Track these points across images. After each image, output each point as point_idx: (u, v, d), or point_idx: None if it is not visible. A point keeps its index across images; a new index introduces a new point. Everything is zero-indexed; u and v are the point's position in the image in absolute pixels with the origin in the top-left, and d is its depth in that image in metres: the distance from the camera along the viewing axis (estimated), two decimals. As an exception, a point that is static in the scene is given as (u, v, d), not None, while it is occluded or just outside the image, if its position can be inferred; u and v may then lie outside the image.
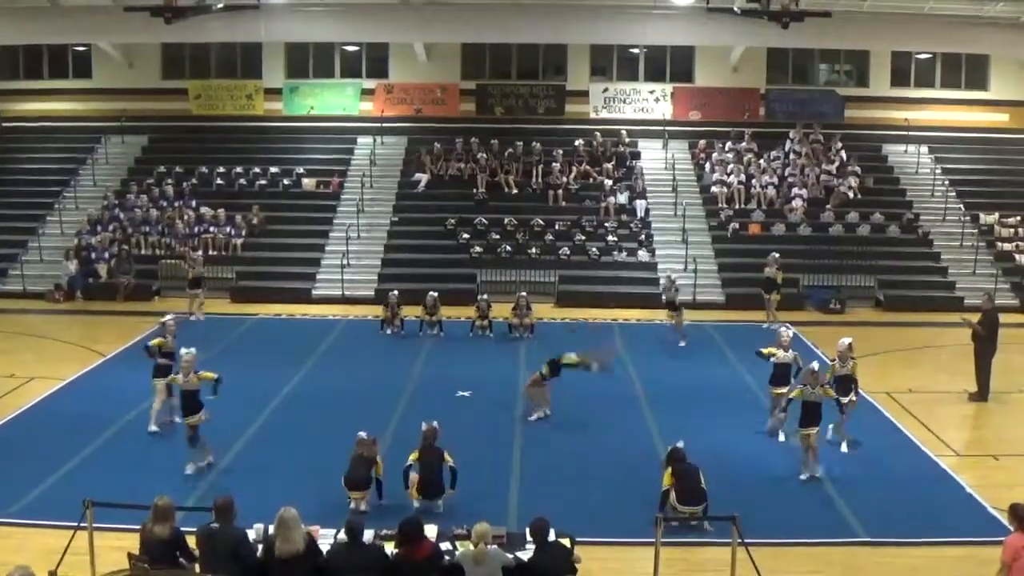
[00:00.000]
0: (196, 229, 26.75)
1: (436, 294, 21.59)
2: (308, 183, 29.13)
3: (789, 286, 23.92)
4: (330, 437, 13.78)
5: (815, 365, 13.63)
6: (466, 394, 16.86)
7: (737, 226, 27.08)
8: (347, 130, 31.19)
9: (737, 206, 27.99)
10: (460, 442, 12.63)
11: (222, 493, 9.34)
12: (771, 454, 14.13)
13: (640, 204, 27.88)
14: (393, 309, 21.55)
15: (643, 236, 26.78)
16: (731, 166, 28.92)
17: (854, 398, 14.46)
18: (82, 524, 9.50)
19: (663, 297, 21.73)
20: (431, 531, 9.52)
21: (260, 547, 8.96)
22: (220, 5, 24.24)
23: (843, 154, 29.60)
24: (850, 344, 14.64)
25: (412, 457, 11.80)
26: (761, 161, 29.21)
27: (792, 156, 29.48)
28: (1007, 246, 26.91)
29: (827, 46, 29.96)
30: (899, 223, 27.22)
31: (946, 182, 29.06)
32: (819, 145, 29.85)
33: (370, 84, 31.44)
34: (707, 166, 29.36)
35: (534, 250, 26.22)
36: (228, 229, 26.82)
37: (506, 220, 27.11)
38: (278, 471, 12.99)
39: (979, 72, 31.17)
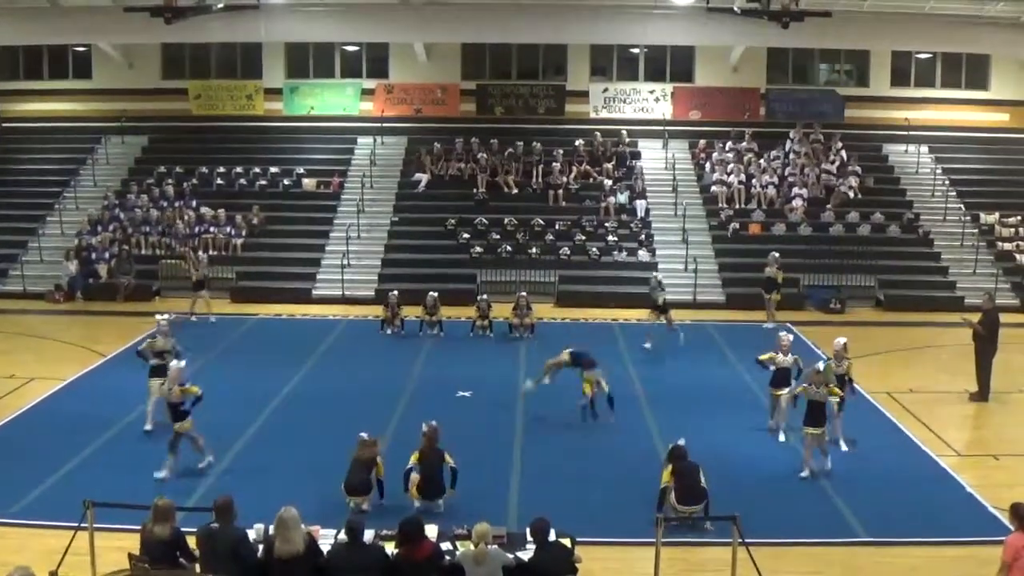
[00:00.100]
0: (196, 229, 26.75)
1: (436, 294, 21.59)
2: (308, 183, 29.13)
3: (789, 286, 23.92)
4: (330, 437, 13.79)
5: (820, 365, 13.64)
6: (466, 394, 16.86)
7: (737, 226, 27.08)
8: (347, 130, 31.19)
9: (737, 206, 27.98)
10: (460, 442, 12.62)
11: (222, 493, 9.33)
12: (771, 454, 14.13)
13: (640, 204, 27.87)
14: (393, 309, 21.55)
15: (643, 236, 26.77)
16: (731, 166, 28.92)
17: (852, 396, 14.49)
18: (82, 524, 9.50)
19: (651, 297, 21.24)
20: (431, 531, 9.51)
21: (260, 547, 8.95)
22: (220, 5, 24.24)
23: (843, 154, 29.59)
24: (845, 344, 14.71)
25: (413, 459, 11.79)
26: (761, 161, 29.20)
27: (792, 156, 29.48)
28: (1007, 246, 26.90)
29: (827, 46, 29.95)
30: (899, 223, 27.21)
31: (946, 182, 29.05)
32: (819, 145, 29.84)
33: (370, 84, 31.44)
34: (707, 166, 29.35)
35: (534, 250, 26.22)
36: (228, 229, 26.82)
37: (506, 220, 27.10)
38: (278, 471, 12.99)
39: (979, 72, 31.16)
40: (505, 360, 19.42)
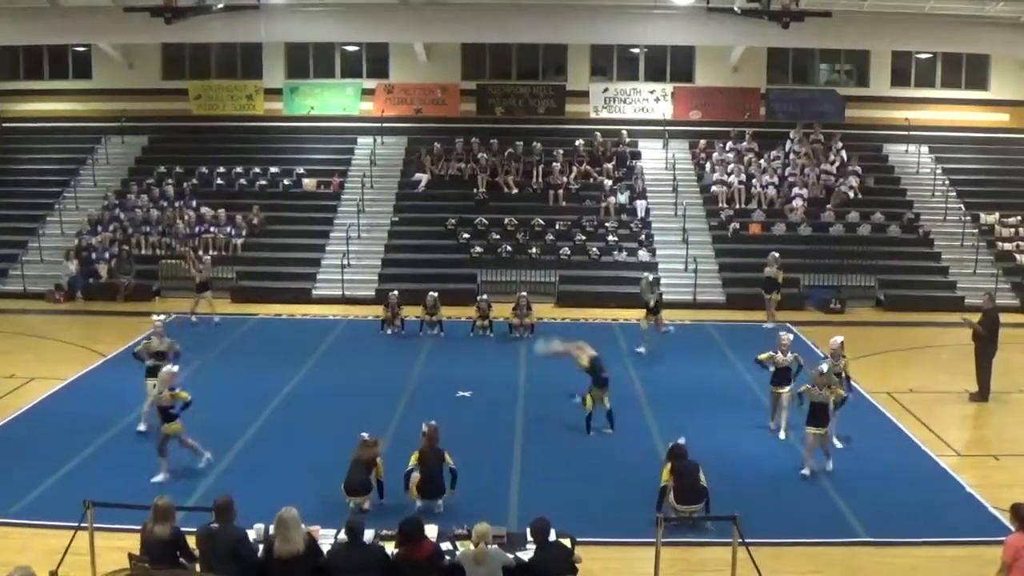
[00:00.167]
0: (196, 229, 26.75)
1: (436, 294, 21.60)
2: (308, 183, 29.13)
3: (789, 286, 23.92)
4: (330, 437, 13.80)
5: (824, 367, 13.65)
6: (466, 394, 16.87)
7: (737, 226, 27.08)
8: (347, 130, 31.19)
9: (737, 206, 27.98)
10: (460, 442, 12.63)
11: (222, 493, 9.32)
12: (771, 454, 14.14)
13: (640, 204, 27.87)
14: (393, 309, 21.55)
15: (643, 236, 26.77)
16: (731, 166, 28.91)
17: (849, 394, 14.58)
18: (83, 524, 9.50)
19: (642, 298, 20.85)
20: (431, 531, 9.51)
21: (260, 547, 8.95)
22: (220, 5, 24.23)
23: (843, 154, 29.59)
24: (842, 343, 14.71)
25: (413, 459, 11.79)
26: (761, 161, 29.20)
27: (792, 156, 29.48)
28: (1007, 246, 26.89)
29: (827, 46, 29.95)
30: (899, 223, 27.21)
31: (946, 182, 29.05)
32: (819, 145, 29.84)
33: (370, 84, 31.44)
34: (707, 166, 29.35)
35: (534, 250, 26.22)
36: (228, 229, 26.82)
37: (506, 220, 27.10)
38: (278, 471, 12.99)
39: (979, 72, 31.16)
40: (505, 360, 19.42)
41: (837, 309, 24.27)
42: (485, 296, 22.32)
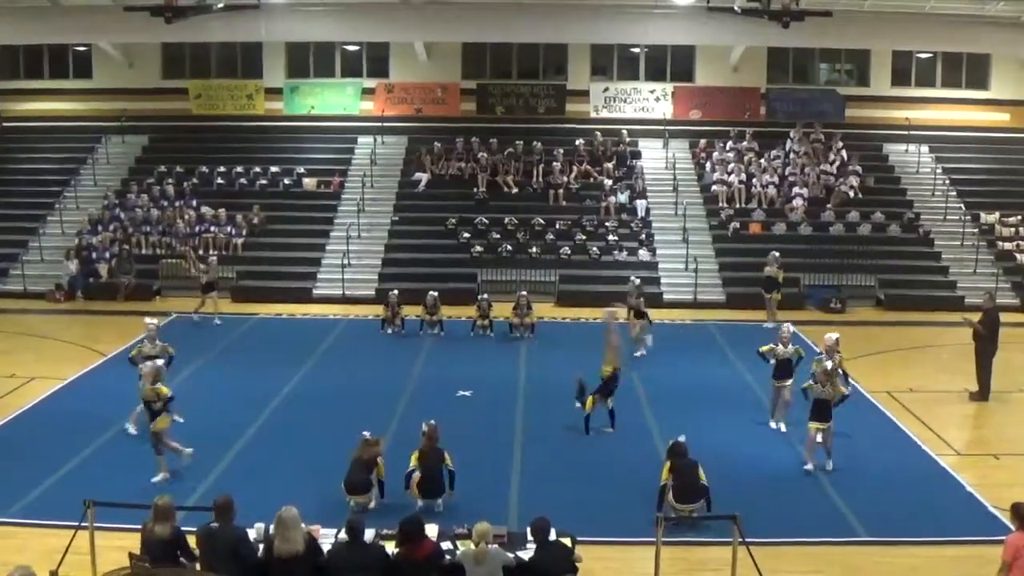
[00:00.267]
0: (197, 229, 26.75)
1: (436, 294, 21.60)
2: (309, 183, 29.13)
3: (790, 285, 23.92)
4: (330, 437, 13.80)
5: (828, 364, 13.68)
6: (467, 394, 16.87)
7: (738, 225, 27.08)
8: (348, 130, 31.20)
9: (738, 205, 27.98)
10: (461, 442, 12.64)
11: (222, 493, 9.32)
12: (771, 453, 14.14)
13: (641, 204, 27.87)
14: (394, 309, 21.55)
15: (644, 235, 26.77)
16: (732, 165, 28.91)
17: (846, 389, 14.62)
18: (83, 524, 9.50)
19: (627, 302, 20.25)
20: (432, 530, 9.51)
21: (261, 547, 8.95)
22: (220, 5, 24.22)
23: (844, 153, 29.58)
24: (837, 339, 14.73)
25: (413, 460, 11.80)
26: (762, 160, 29.20)
27: (793, 155, 29.47)
28: (1008, 245, 26.89)
29: (828, 45, 29.96)
30: (900, 222, 27.21)
31: (947, 181, 29.05)
32: (820, 144, 29.83)
33: (371, 84, 31.44)
34: (708, 165, 29.35)
35: (535, 249, 26.22)
36: (229, 229, 26.83)
37: (507, 219, 27.10)
38: (278, 471, 12.99)
39: (980, 71, 31.16)
40: (505, 360, 19.43)
41: (837, 309, 24.27)
42: (486, 295, 22.31)
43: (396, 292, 21.91)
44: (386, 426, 14.45)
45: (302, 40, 30.51)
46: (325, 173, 29.38)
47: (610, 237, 26.68)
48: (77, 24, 27.91)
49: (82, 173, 29.69)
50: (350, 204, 28.08)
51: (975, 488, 12.76)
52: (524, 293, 22.05)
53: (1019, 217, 27.71)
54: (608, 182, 28.32)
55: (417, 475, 11.71)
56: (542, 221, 27.05)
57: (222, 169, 29.15)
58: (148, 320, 16.08)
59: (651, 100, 31.38)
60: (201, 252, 25.24)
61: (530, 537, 9.32)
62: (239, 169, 29.22)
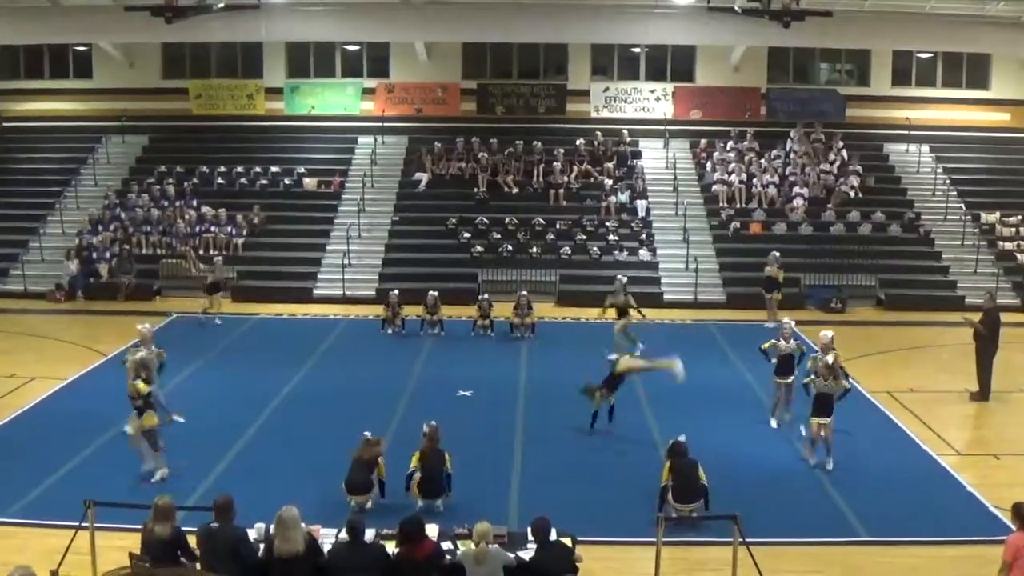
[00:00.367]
0: (197, 229, 26.75)
1: (436, 293, 21.60)
2: (309, 183, 29.13)
3: (790, 285, 23.92)
4: (331, 437, 13.79)
5: (829, 358, 13.72)
6: (467, 394, 16.87)
7: (738, 225, 27.07)
8: (348, 129, 31.20)
9: (738, 205, 27.98)
10: (461, 442, 12.65)
11: (222, 492, 9.32)
12: (772, 453, 14.14)
13: (641, 203, 27.87)
14: (394, 308, 21.55)
15: (644, 235, 26.77)
16: (732, 165, 28.90)
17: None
18: (83, 524, 9.50)
19: (612, 299, 20.26)
20: (432, 530, 9.51)
21: (261, 546, 8.95)
22: (221, 5, 24.23)
23: (844, 153, 29.57)
24: (832, 337, 14.76)
25: (414, 461, 11.80)
26: (762, 160, 29.19)
27: (793, 155, 29.46)
28: (1008, 245, 26.88)
29: (828, 45, 29.94)
30: (900, 222, 27.21)
31: (947, 181, 29.05)
32: (820, 144, 29.82)
33: (371, 83, 31.44)
34: (708, 165, 29.34)
35: (535, 249, 26.21)
36: (229, 229, 26.82)
37: (507, 219, 27.10)
38: (278, 471, 12.99)
39: (980, 71, 31.15)
40: (506, 360, 19.43)
41: (838, 308, 24.27)
42: (486, 295, 22.31)
43: (396, 292, 21.91)
44: (386, 426, 14.45)
45: (302, 40, 30.52)
46: (325, 173, 29.37)
47: (610, 237, 26.68)
48: (77, 24, 27.92)
49: (82, 173, 29.68)
50: (350, 204, 28.07)
51: (975, 488, 12.76)
52: (524, 293, 22.05)
53: (1019, 217, 27.70)
54: (608, 182, 28.32)
55: (418, 476, 11.72)
56: (542, 221, 27.05)
57: (222, 169, 29.14)
58: (141, 326, 15.99)
59: (651, 100, 31.38)
60: (204, 252, 25.23)
61: (530, 537, 9.32)
62: (239, 169, 29.22)
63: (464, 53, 31.40)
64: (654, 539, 9.64)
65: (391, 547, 9.00)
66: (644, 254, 26.23)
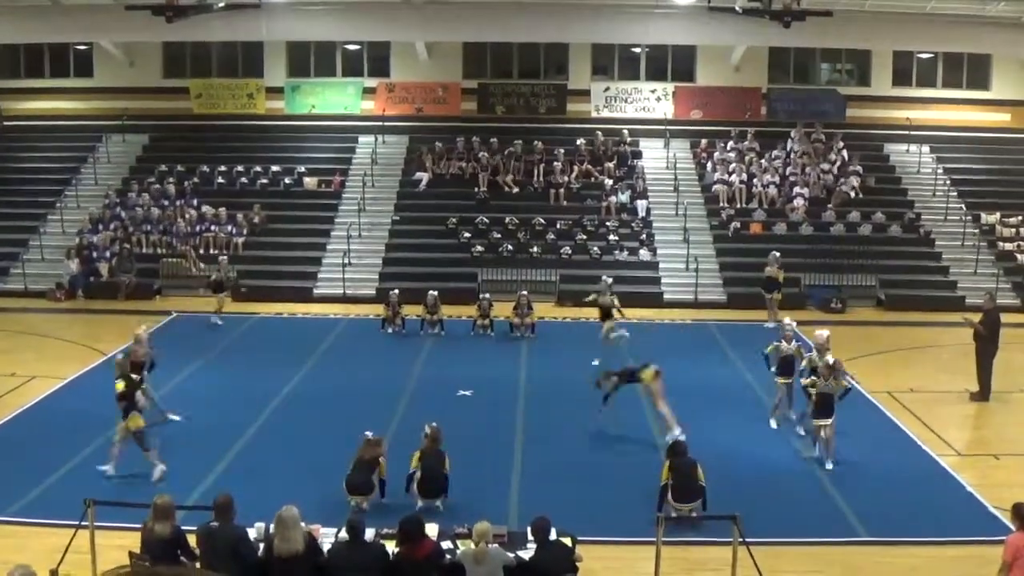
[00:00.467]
0: (197, 228, 26.76)
1: (437, 293, 21.59)
2: (309, 182, 29.12)
3: (790, 285, 23.91)
4: (331, 436, 13.80)
5: (830, 358, 13.72)
6: (467, 393, 16.86)
7: (739, 225, 27.07)
8: (348, 129, 31.20)
9: (738, 205, 27.97)
10: (461, 441, 12.65)
11: (222, 492, 9.32)
12: (771, 453, 14.14)
13: (641, 203, 27.86)
14: (394, 308, 21.54)
15: (644, 235, 26.77)
16: (733, 165, 28.89)
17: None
18: (83, 523, 9.51)
19: (597, 299, 19.82)
20: (432, 530, 9.51)
21: (261, 546, 8.95)
22: (221, 4, 24.21)
23: (845, 153, 29.56)
24: (827, 336, 14.81)
25: (414, 461, 11.81)
26: (763, 160, 29.19)
27: (793, 155, 29.46)
28: (1008, 246, 26.87)
29: (829, 45, 29.95)
30: (900, 223, 27.21)
31: (948, 182, 29.03)
32: (820, 144, 29.81)
33: (371, 83, 31.44)
34: (709, 165, 29.33)
35: (535, 249, 26.21)
36: (229, 228, 26.83)
37: (507, 219, 27.09)
38: (278, 470, 12.99)
39: (981, 72, 31.15)
40: (506, 359, 19.42)
41: (838, 309, 24.27)
42: (487, 295, 22.31)
43: (397, 291, 21.90)
44: (386, 426, 14.44)
45: (303, 39, 30.53)
46: (326, 172, 29.37)
47: (611, 237, 26.68)
48: (78, 23, 27.92)
49: (83, 172, 29.68)
50: (351, 203, 28.07)
51: (975, 488, 12.76)
52: (525, 293, 22.05)
53: (1020, 217, 27.69)
54: (609, 182, 28.31)
55: (418, 475, 11.73)
56: (543, 221, 27.05)
57: (223, 168, 29.14)
58: (140, 330, 15.98)
59: (652, 100, 31.37)
60: (204, 251, 25.22)
61: (530, 537, 9.32)
62: (240, 168, 29.21)
63: (465, 53, 31.40)
64: (654, 539, 9.64)
65: (391, 547, 9.00)
66: (644, 254, 26.23)
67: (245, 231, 27.01)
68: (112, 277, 25.48)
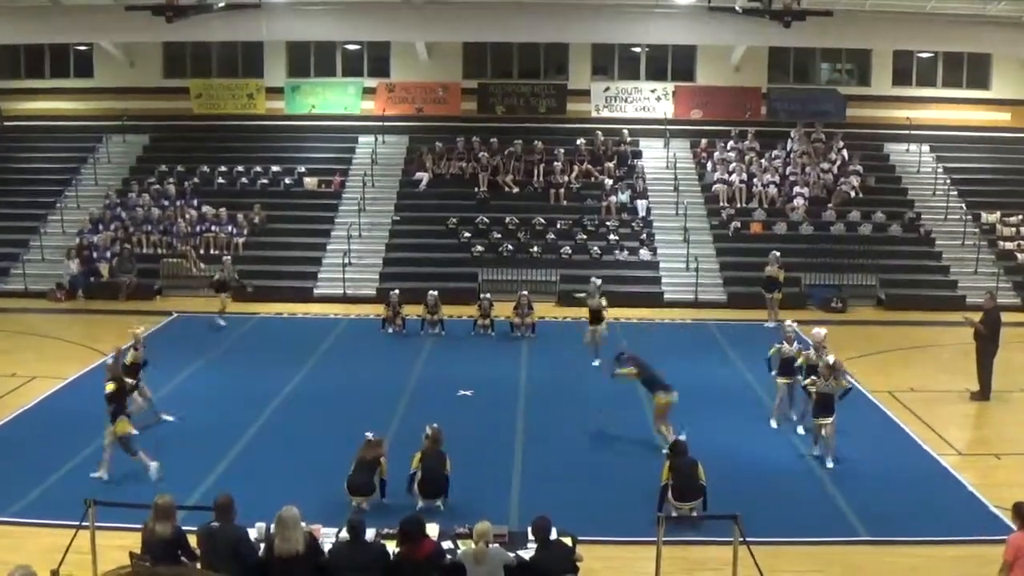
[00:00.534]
0: (198, 228, 26.76)
1: (437, 293, 21.58)
2: (310, 182, 29.12)
3: (791, 285, 23.91)
4: (331, 436, 13.80)
5: (831, 358, 13.73)
6: (467, 393, 16.86)
7: (739, 225, 27.07)
8: (348, 129, 31.19)
9: (739, 205, 27.97)
10: (461, 441, 12.65)
11: (223, 492, 9.32)
12: (772, 453, 14.14)
13: (641, 203, 27.86)
14: (394, 308, 21.54)
15: (644, 235, 26.76)
16: (733, 165, 28.89)
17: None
18: (84, 523, 9.51)
19: (586, 300, 19.37)
20: (432, 530, 9.51)
21: (262, 546, 8.95)
22: (221, 4, 24.23)
23: (845, 153, 29.56)
24: (825, 335, 14.83)
25: (415, 462, 11.81)
26: (763, 160, 29.18)
27: (793, 155, 29.45)
28: (1009, 245, 26.87)
29: (829, 45, 29.94)
30: (901, 222, 27.20)
31: (948, 181, 29.02)
32: (821, 144, 29.81)
33: (371, 83, 31.44)
34: (709, 165, 29.33)
35: (535, 249, 26.21)
36: (230, 228, 26.83)
37: (507, 219, 27.09)
38: (279, 470, 12.98)
39: (981, 71, 31.14)
40: (506, 359, 19.42)
41: (838, 308, 24.27)
42: (487, 295, 22.31)
43: (397, 291, 21.90)
44: (387, 426, 14.43)
45: (303, 39, 30.53)
46: (326, 172, 29.37)
47: (611, 237, 26.68)
48: (78, 23, 27.93)
49: (83, 172, 29.68)
50: (351, 203, 28.06)
51: (976, 488, 12.76)
52: (525, 293, 22.05)
53: (1020, 217, 27.69)
54: (609, 182, 28.31)
55: (419, 476, 11.73)
56: (543, 221, 27.05)
57: (223, 168, 29.14)
58: (138, 330, 15.98)
59: (652, 100, 31.37)
60: (204, 251, 25.19)
61: (531, 536, 9.32)
62: (240, 168, 29.21)
63: (465, 53, 31.40)
64: (654, 539, 9.65)
65: (391, 547, 9.01)
66: (644, 254, 26.23)
67: (245, 231, 27.01)
68: (112, 277, 25.48)
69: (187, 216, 27.09)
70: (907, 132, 30.20)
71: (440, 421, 12.28)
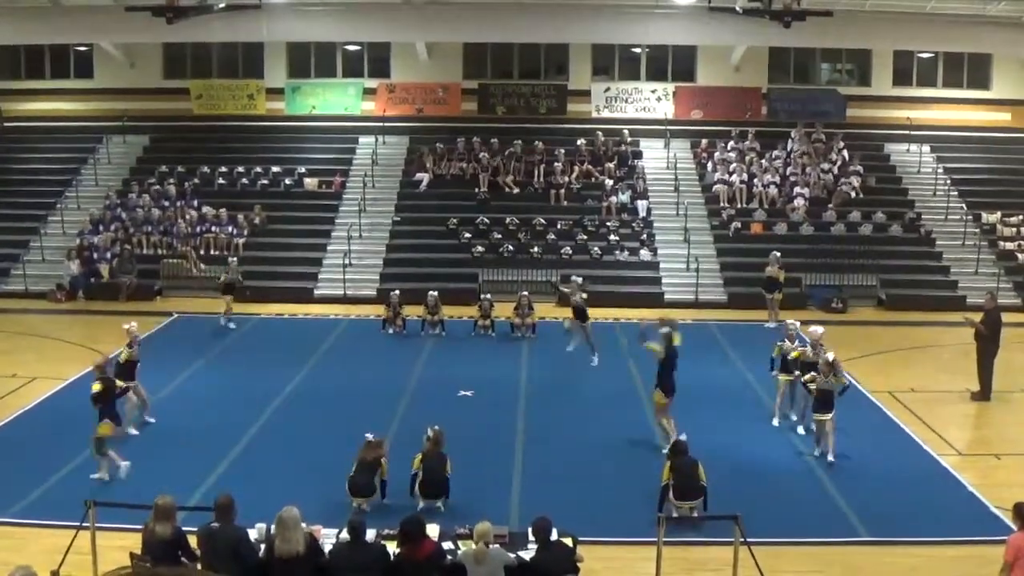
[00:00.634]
0: (198, 229, 26.76)
1: (437, 293, 21.59)
2: (310, 183, 29.12)
3: (791, 285, 23.91)
4: (332, 437, 13.81)
5: (830, 355, 13.74)
6: (468, 394, 16.86)
7: (739, 225, 27.07)
8: (349, 130, 31.20)
9: (739, 205, 27.97)
10: (462, 442, 12.64)
11: (223, 492, 9.32)
12: (772, 453, 14.15)
13: (642, 203, 27.86)
14: (395, 308, 21.54)
15: (645, 235, 26.76)
16: (733, 165, 28.89)
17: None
18: (84, 524, 9.51)
19: (570, 300, 19.39)
20: (433, 530, 9.51)
21: (262, 547, 8.95)
22: (222, 5, 24.24)
23: (845, 153, 29.55)
24: (823, 333, 14.89)
25: (416, 463, 11.82)
26: (763, 160, 29.18)
27: (794, 155, 29.45)
28: (1009, 245, 26.86)
29: (829, 45, 29.94)
30: (901, 222, 27.20)
31: (948, 181, 29.02)
32: (821, 144, 29.81)
33: (372, 84, 31.44)
34: (709, 165, 29.33)
35: (536, 249, 26.20)
36: (230, 228, 26.82)
37: (508, 219, 27.09)
38: (279, 471, 12.98)
39: (981, 71, 31.14)
40: (507, 360, 19.43)
41: (839, 308, 24.26)
42: (488, 296, 22.31)
43: (397, 292, 21.92)
44: (387, 426, 14.44)
45: (303, 40, 30.53)
46: (326, 173, 29.37)
47: (611, 237, 26.67)
48: (78, 24, 27.94)
49: (83, 173, 29.68)
50: (351, 204, 28.06)
51: (976, 488, 12.76)
52: (525, 293, 22.05)
53: (1020, 217, 27.69)
54: (609, 182, 28.31)
55: (420, 477, 11.74)
56: (543, 221, 27.04)
57: (223, 169, 29.14)
58: (127, 326, 15.95)
59: (652, 100, 31.37)
60: (205, 252, 25.18)
61: (531, 537, 9.32)
62: (240, 169, 29.21)
63: (465, 53, 31.40)
64: (655, 539, 9.65)
65: (392, 547, 9.00)
66: (645, 254, 26.23)
67: (246, 232, 27.01)
68: (113, 278, 25.48)
69: (187, 217, 27.09)
70: (907, 132, 30.20)
71: (440, 421, 12.29)
